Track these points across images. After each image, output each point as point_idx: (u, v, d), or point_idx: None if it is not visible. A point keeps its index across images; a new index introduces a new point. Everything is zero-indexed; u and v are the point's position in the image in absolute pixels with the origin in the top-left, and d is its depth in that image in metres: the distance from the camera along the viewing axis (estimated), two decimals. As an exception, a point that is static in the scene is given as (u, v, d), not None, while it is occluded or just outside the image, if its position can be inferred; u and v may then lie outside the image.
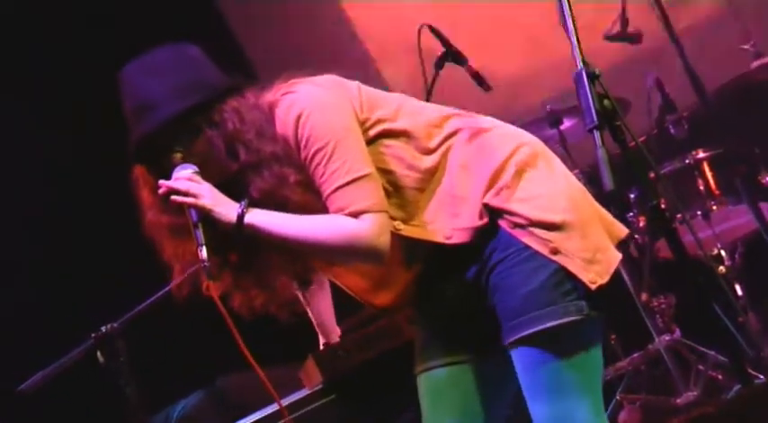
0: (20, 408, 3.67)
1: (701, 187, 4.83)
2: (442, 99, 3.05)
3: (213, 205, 2.35)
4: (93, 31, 5.46)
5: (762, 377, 4.23)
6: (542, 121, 4.93)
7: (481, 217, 2.40)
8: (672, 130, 4.87)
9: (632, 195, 4.98)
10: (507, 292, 2.37)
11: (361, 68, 5.89)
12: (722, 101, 5.13)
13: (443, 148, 2.46)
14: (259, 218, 2.35)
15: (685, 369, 4.53)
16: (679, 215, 4.57)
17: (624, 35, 4.69)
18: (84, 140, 5.13)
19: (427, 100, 4.08)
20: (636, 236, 4.89)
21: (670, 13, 4.68)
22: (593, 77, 2.07)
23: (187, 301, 2.45)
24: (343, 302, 2.81)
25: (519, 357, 2.38)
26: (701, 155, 4.84)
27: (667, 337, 4.56)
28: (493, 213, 2.40)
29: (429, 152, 2.46)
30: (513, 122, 2.60)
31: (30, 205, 5.08)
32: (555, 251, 2.35)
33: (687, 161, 4.83)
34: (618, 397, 4.58)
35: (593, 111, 2.04)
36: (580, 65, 2.09)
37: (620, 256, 2.44)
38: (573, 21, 2.14)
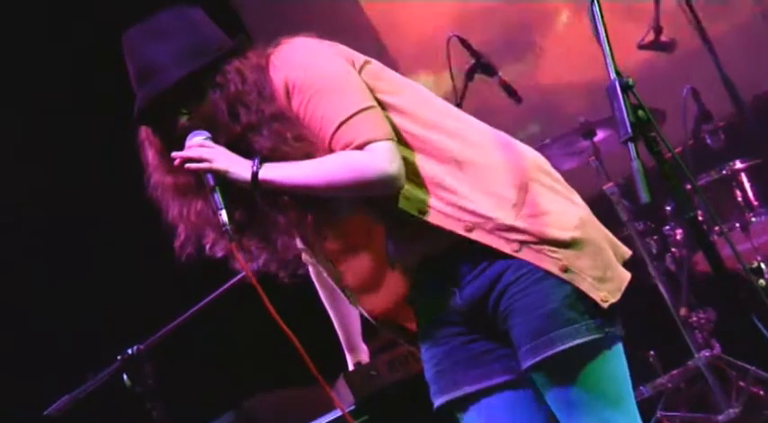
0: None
1: (739, 198, 4.79)
2: (473, 110, 2.99)
3: (228, 167, 2.36)
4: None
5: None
6: (575, 133, 4.86)
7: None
8: (708, 141, 4.81)
9: (668, 208, 4.95)
10: (523, 314, 2.33)
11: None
12: (759, 110, 5.07)
13: (443, 147, 2.40)
14: (272, 172, 2.35)
15: (726, 385, 4.45)
16: (717, 227, 4.51)
17: (657, 44, 4.63)
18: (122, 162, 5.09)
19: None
20: (673, 249, 4.84)
21: (703, 19, 4.61)
22: (626, 88, 2.03)
23: (213, 323, 2.42)
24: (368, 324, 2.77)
25: (547, 377, 2.34)
26: (739, 165, 4.80)
27: (707, 353, 4.48)
28: (500, 230, 2.34)
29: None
30: (546, 134, 2.54)
31: (58, 225, 5.07)
32: (565, 269, 2.31)
33: (724, 172, 4.79)
34: (658, 415, 4.51)
35: (628, 122, 1.99)
36: (613, 75, 2.04)
37: (629, 275, 2.41)
38: (605, 31, 2.09)
